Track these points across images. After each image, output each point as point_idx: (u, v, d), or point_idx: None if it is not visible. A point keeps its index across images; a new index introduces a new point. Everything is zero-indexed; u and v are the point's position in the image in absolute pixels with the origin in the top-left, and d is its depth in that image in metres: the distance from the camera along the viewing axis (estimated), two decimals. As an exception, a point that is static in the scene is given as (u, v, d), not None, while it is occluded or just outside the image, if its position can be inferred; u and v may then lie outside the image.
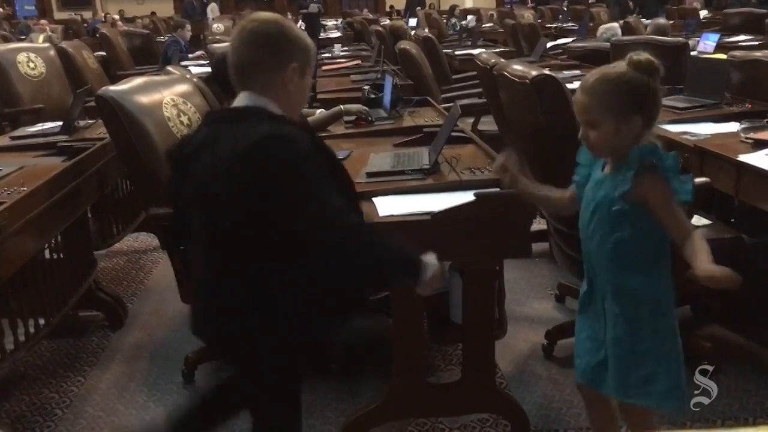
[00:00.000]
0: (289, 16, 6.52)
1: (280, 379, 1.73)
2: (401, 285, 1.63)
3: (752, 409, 2.39)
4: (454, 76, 6.19)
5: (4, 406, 2.61)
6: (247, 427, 1.87)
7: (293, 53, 1.63)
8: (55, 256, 2.91)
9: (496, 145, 2.87)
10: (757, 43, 6.26)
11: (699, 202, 2.51)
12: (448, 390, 2.40)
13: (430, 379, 2.53)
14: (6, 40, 9.04)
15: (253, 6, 18.04)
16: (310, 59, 1.69)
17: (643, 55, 1.60)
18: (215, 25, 11.80)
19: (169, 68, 3.64)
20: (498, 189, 2.04)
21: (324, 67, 6.05)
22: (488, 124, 4.25)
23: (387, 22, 11.06)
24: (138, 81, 2.68)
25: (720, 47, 5.79)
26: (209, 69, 4.93)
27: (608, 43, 5.12)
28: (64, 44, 5.72)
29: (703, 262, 1.48)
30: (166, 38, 8.79)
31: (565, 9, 14.39)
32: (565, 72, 5.06)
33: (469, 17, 13.29)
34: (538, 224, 3.07)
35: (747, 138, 2.72)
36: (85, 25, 15.13)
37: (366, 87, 3.88)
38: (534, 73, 2.46)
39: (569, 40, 7.70)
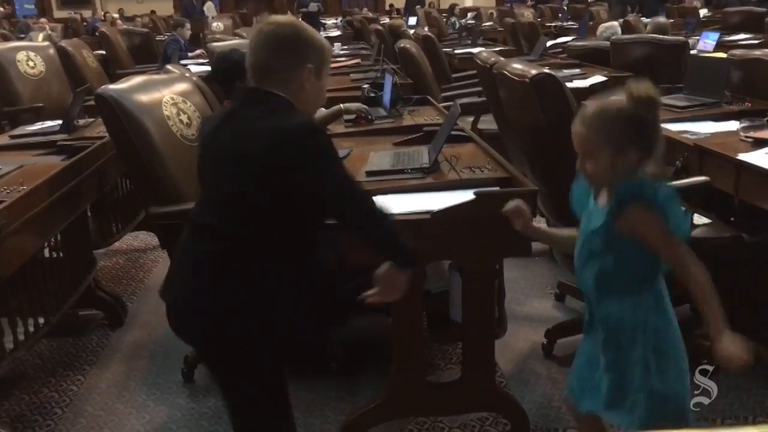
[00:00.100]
0: (289, 15, 6.50)
1: (263, 378, 1.73)
2: (396, 263, 1.69)
3: (752, 407, 2.40)
4: (454, 75, 6.19)
5: (3, 405, 2.61)
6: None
7: (308, 54, 1.69)
8: (55, 255, 2.91)
9: (496, 143, 2.87)
10: (757, 41, 6.24)
11: (699, 200, 2.52)
12: (448, 389, 2.40)
13: (430, 378, 2.53)
14: (5, 38, 9.04)
15: (253, 5, 18.07)
16: (326, 59, 1.75)
17: (643, 88, 1.56)
18: (215, 24, 11.80)
19: (169, 67, 3.65)
20: (498, 188, 2.04)
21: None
22: (488, 122, 4.24)
23: (387, 20, 11.05)
24: (137, 80, 2.67)
25: (720, 46, 5.79)
26: (209, 68, 4.92)
27: (608, 42, 5.13)
28: (63, 43, 5.71)
29: (723, 341, 1.54)
30: (166, 37, 8.78)
31: (565, 8, 14.40)
32: (564, 71, 5.04)
33: (469, 15, 13.29)
34: (538, 223, 3.06)
35: (747, 137, 2.72)
36: (85, 23, 15.15)
37: (366, 86, 3.88)
38: (534, 71, 2.46)
39: (569, 38, 7.68)
